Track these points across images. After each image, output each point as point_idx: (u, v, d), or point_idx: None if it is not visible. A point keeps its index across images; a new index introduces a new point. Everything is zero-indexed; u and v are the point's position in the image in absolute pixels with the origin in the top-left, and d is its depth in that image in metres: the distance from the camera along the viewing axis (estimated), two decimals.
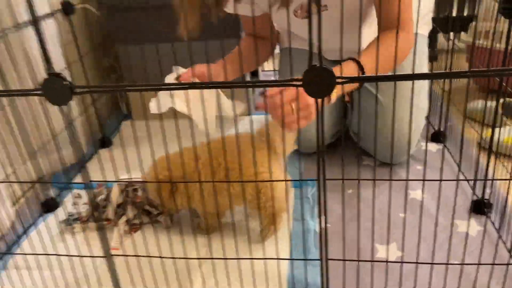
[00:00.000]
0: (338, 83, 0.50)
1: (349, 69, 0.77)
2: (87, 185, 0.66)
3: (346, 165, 1.10)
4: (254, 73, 1.56)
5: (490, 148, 0.86)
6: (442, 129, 1.17)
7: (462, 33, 1.68)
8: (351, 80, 0.50)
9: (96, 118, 1.33)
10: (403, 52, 0.87)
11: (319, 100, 0.51)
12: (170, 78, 0.85)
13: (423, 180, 0.57)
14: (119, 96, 1.53)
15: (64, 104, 0.54)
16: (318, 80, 0.50)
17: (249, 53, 1.03)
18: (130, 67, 1.40)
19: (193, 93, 0.74)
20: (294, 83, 0.51)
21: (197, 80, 0.83)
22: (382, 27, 0.82)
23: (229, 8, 0.98)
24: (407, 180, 0.51)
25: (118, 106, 1.53)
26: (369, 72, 0.76)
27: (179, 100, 0.77)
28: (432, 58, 1.67)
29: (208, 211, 0.85)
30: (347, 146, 1.20)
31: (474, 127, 1.18)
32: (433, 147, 1.15)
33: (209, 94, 0.81)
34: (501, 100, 1.21)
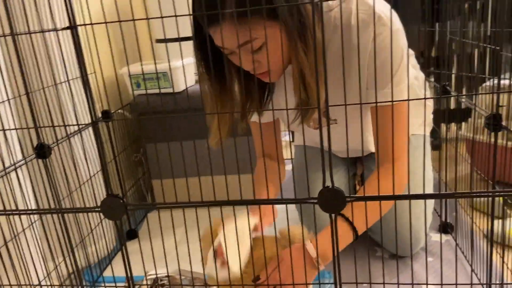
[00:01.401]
0: (348, 201, 0.60)
1: (341, 228, 0.87)
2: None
3: (361, 256, 1.16)
4: None
5: (491, 243, 0.93)
6: (449, 220, 1.24)
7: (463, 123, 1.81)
8: (359, 199, 0.60)
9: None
10: (398, 189, 0.91)
11: (333, 215, 0.61)
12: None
13: (441, 284, 0.63)
14: (144, 189, 1.65)
15: (118, 219, 0.64)
16: (330, 198, 0.60)
17: (269, 177, 1.08)
18: (156, 162, 1.54)
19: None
20: (311, 201, 0.61)
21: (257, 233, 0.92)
22: (380, 159, 0.93)
23: (254, 118, 1.11)
24: (412, 284, 0.57)
25: (144, 198, 1.64)
26: (359, 224, 0.87)
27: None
28: (436, 147, 1.79)
29: None
30: (362, 238, 1.27)
31: (480, 218, 1.25)
32: (441, 238, 1.21)
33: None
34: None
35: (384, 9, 0.87)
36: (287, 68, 0.92)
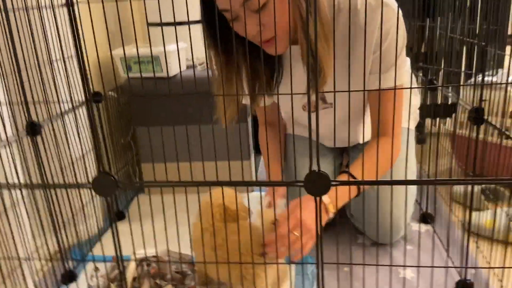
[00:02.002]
0: (333, 185, 0.62)
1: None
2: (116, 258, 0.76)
3: (343, 243, 1.20)
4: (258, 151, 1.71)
5: (469, 232, 0.97)
6: (429, 211, 1.28)
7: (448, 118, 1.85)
8: (343, 183, 0.63)
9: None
10: (393, 159, 0.97)
11: (318, 198, 0.64)
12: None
13: (418, 266, 0.66)
14: (131, 172, 1.65)
15: (109, 196, 0.66)
16: (316, 182, 0.62)
17: (278, 142, 1.16)
18: (146, 146, 1.55)
19: None
20: (298, 184, 0.63)
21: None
22: (376, 131, 0.97)
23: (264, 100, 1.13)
24: (391, 266, 0.60)
25: (131, 180, 1.65)
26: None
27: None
28: (420, 141, 1.83)
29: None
30: (346, 225, 1.30)
31: (459, 210, 1.30)
32: (421, 227, 1.25)
33: None
34: (481, 186, 1.34)
35: None
36: (294, 54, 0.93)
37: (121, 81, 1.53)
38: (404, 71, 0.94)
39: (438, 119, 1.86)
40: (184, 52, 1.54)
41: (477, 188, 1.34)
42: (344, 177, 0.92)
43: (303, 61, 0.86)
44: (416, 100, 1.29)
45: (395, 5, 0.90)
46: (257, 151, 1.71)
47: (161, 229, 0.80)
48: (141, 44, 1.60)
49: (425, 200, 1.30)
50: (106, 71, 1.52)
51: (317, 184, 0.62)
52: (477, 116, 0.85)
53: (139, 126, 1.54)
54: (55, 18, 1.06)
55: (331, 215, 0.89)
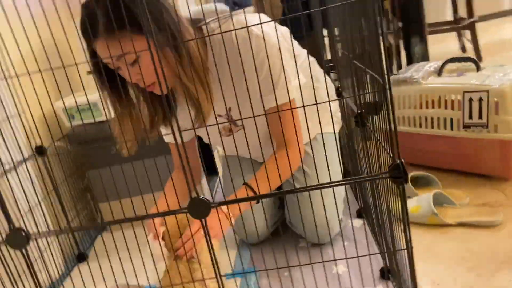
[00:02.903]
0: (213, 207, 0.71)
1: (242, 194, 1.01)
2: None
3: (286, 249, 1.28)
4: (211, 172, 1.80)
5: (391, 220, 1.05)
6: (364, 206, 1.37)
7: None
8: (220, 204, 0.72)
9: (72, 236, 1.52)
10: (292, 167, 1.08)
11: (203, 220, 0.73)
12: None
13: (341, 259, 0.74)
14: (94, 211, 1.74)
15: (23, 248, 0.74)
16: (197, 207, 0.71)
17: (178, 187, 1.14)
18: (101, 186, 1.63)
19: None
20: (182, 211, 0.72)
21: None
22: (277, 144, 1.09)
23: (162, 132, 1.20)
24: (319, 262, 0.68)
25: (94, 219, 1.73)
26: (262, 189, 1.00)
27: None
28: (366, 137, 1.93)
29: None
30: (286, 233, 1.38)
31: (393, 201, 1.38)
32: (357, 223, 1.34)
33: None
34: (410, 174, 1.44)
35: (260, 26, 0.99)
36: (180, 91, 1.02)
37: (66, 131, 1.62)
38: (291, 88, 1.04)
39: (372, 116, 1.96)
40: None
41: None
42: (243, 189, 1.02)
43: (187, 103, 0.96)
44: (334, 105, 1.39)
45: (270, 34, 1.00)
46: (210, 172, 1.80)
47: (121, 265, 0.88)
48: (80, 93, 1.69)
49: (360, 197, 1.39)
50: (51, 124, 1.61)
51: (198, 209, 0.71)
52: (357, 120, 0.95)
53: (92, 169, 1.62)
54: None
55: (233, 220, 0.98)
